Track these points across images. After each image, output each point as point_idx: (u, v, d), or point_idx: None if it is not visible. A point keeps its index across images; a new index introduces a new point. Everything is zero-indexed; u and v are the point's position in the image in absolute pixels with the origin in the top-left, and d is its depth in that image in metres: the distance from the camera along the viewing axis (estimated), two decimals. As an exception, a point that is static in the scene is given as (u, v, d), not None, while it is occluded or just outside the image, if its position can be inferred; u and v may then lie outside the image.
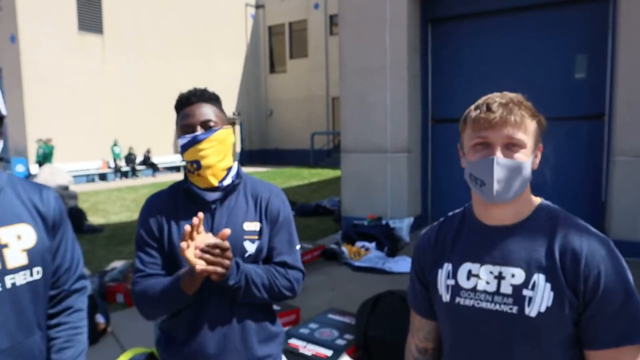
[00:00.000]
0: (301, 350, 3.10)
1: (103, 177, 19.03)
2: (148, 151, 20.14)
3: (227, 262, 1.40)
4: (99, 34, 18.99)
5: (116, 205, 12.06)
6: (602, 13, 6.15)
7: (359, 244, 6.10)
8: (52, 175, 10.36)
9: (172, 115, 1.70)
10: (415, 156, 7.22)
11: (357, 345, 3.18)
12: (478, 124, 1.15)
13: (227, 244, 1.39)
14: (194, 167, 1.55)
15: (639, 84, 5.46)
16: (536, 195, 1.24)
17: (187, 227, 1.36)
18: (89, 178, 18.55)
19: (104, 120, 18.90)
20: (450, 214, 1.35)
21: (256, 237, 1.57)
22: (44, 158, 15.24)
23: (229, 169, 1.62)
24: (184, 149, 1.55)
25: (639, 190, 5.46)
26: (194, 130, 1.54)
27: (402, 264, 5.50)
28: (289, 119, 26.28)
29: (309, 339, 3.22)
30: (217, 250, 1.37)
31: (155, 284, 1.50)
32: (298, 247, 1.68)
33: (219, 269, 1.38)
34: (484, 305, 1.16)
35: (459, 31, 7.25)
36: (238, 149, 25.40)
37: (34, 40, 16.88)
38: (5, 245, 1.23)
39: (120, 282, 4.95)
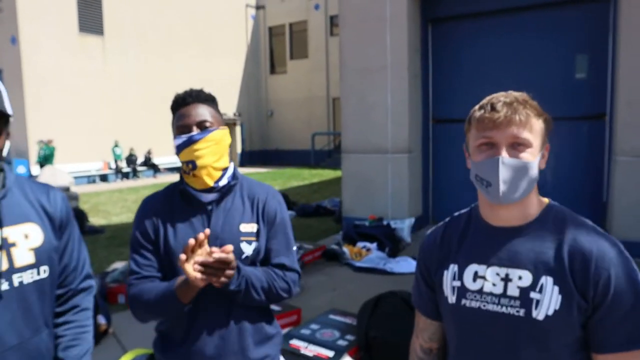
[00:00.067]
0: (302, 351, 3.10)
1: (104, 178, 19.05)
2: (149, 152, 20.15)
3: (229, 272, 1.39)
4: (99, 35, 19.01)
5: (117, 206, 12.07)
6: (602, 13, 6.15)
7: (360, 244, 6.10)
8: (53, 177, 10.38)
9: (173, 117, 1.70)
10: (416, 156, 7.22)
11: (359, 346, 3.18)
12: (482, 123, 1.13)
13: (232, 257, 1.39)
14: (190, 167, 1.55)
15: (640, 84, 5.46)
16: None
17: (191, 241, 1.35)
18: (90, 179, 18.57)
19: (105, 121, 18.92)
20: (456, 214, 1.33)
21: (253, 238, 1.56)
22: (45, 159, 15.24)
23: (225, 170, 1.61)
24: (179, 149, 1.55)
25: (640, 190, 5.46)
26: (190, 131, 1.53)
27: (404, 264, 5.49)
28: (289, 120, 26.28)
29: (310, 340, 3.22)
30: (218, 263, 1.36)
31: (151, 289, 1.49)
32: (294, 248, 1.69)
33: (221, 280, 1.39)
34: (490, 307, 1.14)
35: (459, 31, 7.25)
36: (239, 150, 25.42)
37: (34, 41, 16.90)
38: (13, 244, 1.25)
39: (121, 283, 4.95)
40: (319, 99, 25.24)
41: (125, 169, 19.52)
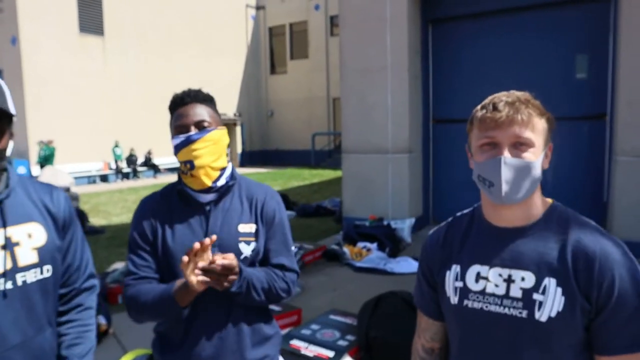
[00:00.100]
0: (303, 352, 3.09)
1: (104, 178, 19.05)
2: (149, 152, 20.16)
3: (232, 277, 1.40)
4: (99, 35, 19.02)
5: (117, 206, 12.07)
6: (602, 13, 6.15)
7: (360, 244, 6.09)
8: (53, 177, 10.38)
9: (174, 117, 1.69)
10: (416, 156, 7.22)
11: (359, 346, 3.18)
12: (484, 123, 1.12)
13: (236, 263, 1.39)
14: (188, 167, 1.54)
15: (640, 84, 5.46)
16: None
17: (197, 245, 1.34)
18: (90, 179, 18.57)
19: (105, 122, 18.93)
20: (458, 214, 1.32)
21: (252, 238, 1.56)
22: (45, 159, 15.25)
23: (223, 170, 1.60)
24: (177, 149, 1.55)
25: (641, 190, 5.45)
26: (188, 131, 1.53)
27: (404, 264, 5.49)
28: (289, 120, 26.29)
29: (311, 340, 3.22)
30: (222, 269, 1.36)
31: (148, 291, 1.49)
32: (293, 248, 1.69)
33: (224, 285, 1.39)
34: (492, 308, 1.14)
35: (459, 32, 7.24)
36: (239, 150, 25.43)
37: (34, 41, 16.91)
38: (17, 244, 1.26)
39: (121, 283, 4.93)
40: (319, 99, 25.25)
41: (126, 169, 19.52)
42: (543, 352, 1.10)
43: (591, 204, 6.26)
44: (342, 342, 3.21)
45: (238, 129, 25.24)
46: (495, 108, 1.11)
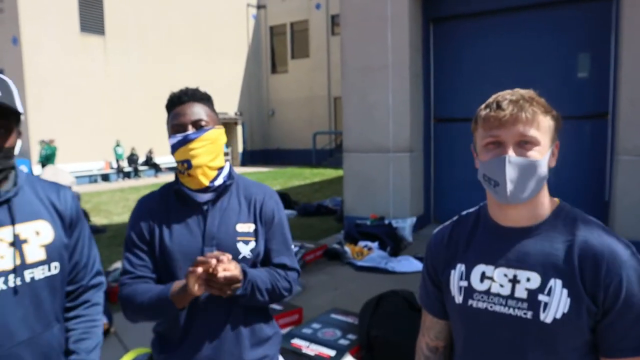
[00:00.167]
0: (304, 350, 3.09)
1: (106, 177, 19.07)
2: (150, 151, 20.17)
3: (236, 286, 1.40)
4: (100, 35, 19.03)
5: (119, 205, 12.08)
6: (604, 12, 6.14)
7: (361, 243, 6.09)
8: (55, 176, 10.37)
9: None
10: (417, 155, 7.21)
11: (360, 345, 3.18)
12: (488, 122, 1.11)
13: (237, 273, 1.38)
14: (185, 166, 1.53)
15: (642, 83, 5.44)
16: None
17: (213, 262, 1.33)
18: (92, 179, 18.59)
19: (106, 121, 18.94)
20: (464, 213, 1.31)
21: (250, 238, 1.55)
22: (47, 159, 15.27)
23: (221, 169, 1.59)
24: (174, 148, 1.53)
25: (643, 189, 5.44)
26: (185, 130, 1.52)
27: (405, 263, 5.49)
28: (290, 119, 26.28)
29: (312, 339, 3.22)
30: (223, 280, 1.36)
31: (145, 292, 1.48)
32: (293, 247, 1.68)
33: (227, 293, 1.39)
34: (497, 308, 1.13)
35: (460, 30, 7.24)
36: (240, 149, 25.43)
37: (36, 41, 16.92)
38: (25, 241, 1.28)
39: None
40: (321, 98, 25.24)
41: (127, 168, 19.54)
42: (548, 354, 1.09)
43: (593, 203, 6.26)
44: (343, 341, 3.21)
45: (239, 128, 25.24)
46: (499, 106, 1.09)
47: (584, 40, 6.38)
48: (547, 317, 1.06)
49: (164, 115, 1.62)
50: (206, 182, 1.55)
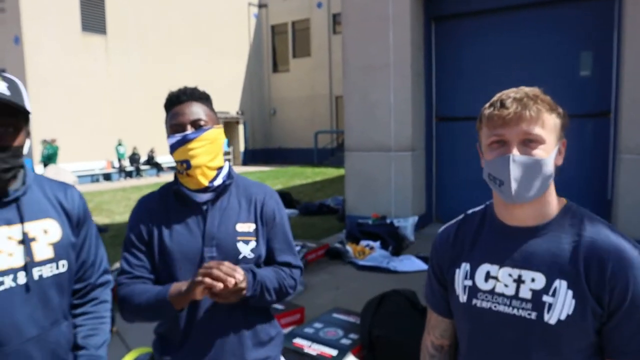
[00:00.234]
0: (306, 350, 3.09)
1: (107, 177, 19.10)
2: (152, 151, 20.20)
3: (242, 294, 1.41)
4: (102, 34, 19.04)
5: (121, 205, 12.09)
6: (606, 10, 6.11)
7: (363, 242, 6.09)
8: (57, 176, 10.39)
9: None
10: (419, 154, 7.20)
11: (362, 344, 3.17)
12: (492, 121, 1.10)
13: (244, 285, 1.39)
14: (184, 167, 1.52)
15: (645, 81, 5.43)
16: None
17: (231, 280, 1.33)
18: (94, 178, 18.62)
19: (108, 121, 18.96)
20: (469, 212, 1.30)
21: (251, 238, 1.55)
22: (49, 158, 15.30)
23: (220, 169, 1.59)
24: (173, 148, 1.52)
25: (645, 188, 5.42)
26: (184, 130, 1.51)
27: (407, 263, 5.48)
28: (292, 118, 26.28)
29: (314, 339, 3.21)
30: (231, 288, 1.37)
31: (142, 292, 1.48)
32: (294, 244, 1.69)
33: (232, 300, 1.41)
34: (501, 308, 1.12)
35: (462, 29, 7.22)
36: (242, 148, 25.44)
37: (37, 41, 16.94)
38: (33, 239, 1.30)
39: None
40: (322, 97, 25.23)
41: (129, 167, 19.57)
42: (552, 355, 1.08)
43: (595, 202, 6.24)
44: (345, 341, 3.20)
45: (241, 128, 25.25)
46: (503, 105, 1.09)
47: (586, 38, 6.36)
48: (551, 318, 1.06)
49: (164, 114, 1.62)
50: (205, 182, 1.54)
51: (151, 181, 18.12)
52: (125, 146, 19.19)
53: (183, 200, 1.56)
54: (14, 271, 1.25)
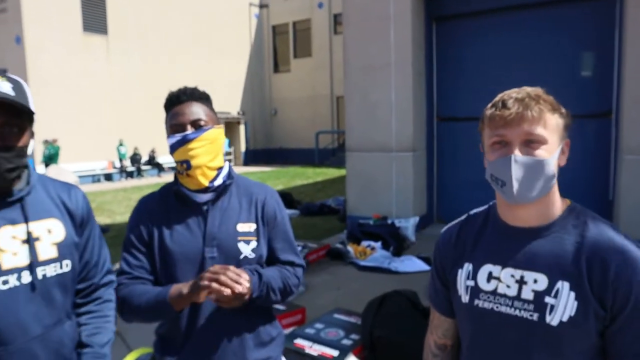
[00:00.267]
0: (307, 351, 3.09)
1: (109, 177, 19.11)
2: (153, 151, 20.21)
3: (245, 299, 1.41)
4: (103, 34, 19.06)
5: (122, 205, 12.10)
6: (608, 10, 6.10)
7: (364, 243, 6.08)
8: (58, 176, 10.40)
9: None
10: (420, 155, 7.19)
11: (363, 345, 3.17)
12: (494, 122, 1.09)
13: (247, 291, 1.39)
14: (184, 167, 1.52)
15: (647, 81, 5.42)
16: None
17: (237, 287, 1.34)
18: (95, 178, 18.63)
19: (109, 121, 18.98)
20: (472, 212, 1.30)
21: (252, 238, 1.55)
22: (50, 159, 15.30)
23: (220, 169, 1.58)
24: (173, 148, 1.52)
25: (647, 189, 5.41)
26: (184, 130, 1.51)
27: (408, 263, 5.47)
28: (293, 118, 26.28)
29: (315, 339, 3.21)
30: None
31: (142, 293, 1.48)
32: (296, 243, 1.70)
33: (235, 305, 1.41)
34: (503, 309, 1.12)
35: (464, 29, 7.21)
36: (243, 149, 25.45)
37: (38, 41, 16.96)
38: (37, 239, 1.31)
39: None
40: (323, 97, 25.23)
41: (130, 168, 19.58)
42: (553, 356, 1.08)
43: (597, 203, 6.23)
44: (346, 341, 3.20)
45: (242, 128, 25.25)
46: (504, 105, 1.08)
47: (587, 38, 6.35)
48: (553, 319, 1.05)
49: (165, 115, 1.61)
50: (206, 183, 1.54)
51: (152, 181, 18.13)
52: (126, 146, 19.20)
53: (183, 201, 1.55)
54: (18, 270, 1.26)
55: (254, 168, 22.22)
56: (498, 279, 1.14)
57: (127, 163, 19.51)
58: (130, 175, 19.62)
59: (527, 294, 1.09)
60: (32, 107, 1.30)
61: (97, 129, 18.50)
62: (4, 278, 1.24)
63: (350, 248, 5.92)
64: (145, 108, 19.84)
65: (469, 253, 1.22)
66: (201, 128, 1.51)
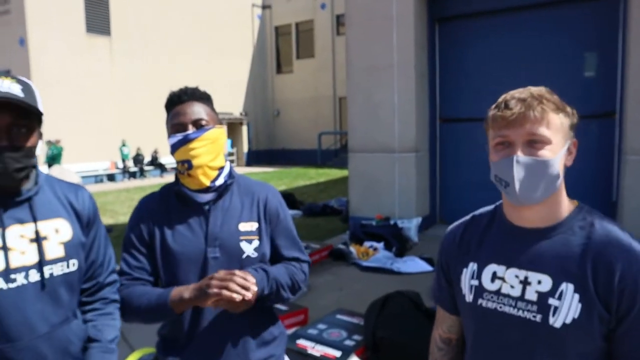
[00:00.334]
0: (310, 351, 3.08)
1: (111, 177, 19.15)
2: (156, 151, 20.25)
3: (250, 304, 1.42)
4: (106, 35, 19.11)
5: (124, 205, 12.12)
6: (611, 10, 6.09)
7: (367, 244, 6.08)
8: (61, 176, 10.42)
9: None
10: (423, 155, 7.19)
11: (366, 346, 3.16)
12: (497, 122, 1.09)
13: (252, 296, 1.39)
14: (185, 167, 1.52)
15: (650, 82, 5.40)
16: None
17: (248, 294, 1.36)
18: (98, 179, 18.68)
19: (112, 121, 19.03)
20: (477, 213, 1.30)
21: (254, 237, 1.55)
22: (53, 159, 15.34)
23: (221, 169, 1.58)
24: (174, 148, 1.52)
25: (651, 190, 5.39)
26: (185, 129, 1.50)
27: (411, 264, 5.47)
28: (296, 119, 26.30)
29: (318, 340, 3.20)
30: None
31: (142, 294, 1.48)
32: (300, 240, 1.70)
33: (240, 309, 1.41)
34: (506, 309, 1.12)
35: (466, 30, 7.20)
36: (245, 149, 25.47)
37: (42, 42, 17.01)
38: (45, 238, 1.32)
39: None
40: (326, 98, 25.23)
41: (133, 168, 19.62)
42: (556, 358, 1.07)
43: (600, 204, 6.21)
44: (348, 342, 3.20)
45: (244, 129, 25.27)
46: (506, 106, 1.08)
47: (590, 39, 6.33)
48: (556, 321, 1.05)
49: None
50: (207, 182, 1.54)
51: (155, 182, 18.16)
52: (129, 147, 19.24)
53: (185, 201, 1.55)
54: (25, 269, 1.28)
55: (256, 169, 22.23)
56: (502, 279, 1.14)
57: (130, 163, 19.54)
58: (132, 175, 19.66)
59: (531, 294, 1.09)
60: (41, 108, 1.32)
61: (99, 130, 18.54)
62: (12, 276, 1.25)
63: (353, 249, 5.91)
64: (148, 109, 19.86)
65: (474, 253, 1.22)
66: (202, 128, 1.51)
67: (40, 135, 1.36)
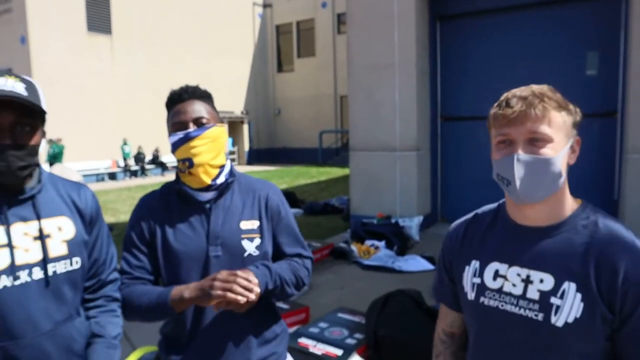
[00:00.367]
0: (311, 350, 3.09)
1: (112, 176, 19.17)
2: (157, 150, 20.27)
3: (253, 303, 1.42)
4: (107, 34, 19.11)
5: (126, 204, 12.13)
6: (613, 9, 6.08)
7: (368, 242, 6.08)
8: (63, 175, 10.43)
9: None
10: (424, 154, 7.18)
11: (367, 344, 3.16)
12: (498, 121, 1.09)
13: (255, 297, 1.40)
14: (186, 165, 1.52)
15: (652, 80, 5.39)
16: None
17: (251, 296, 1.36)
18: (99, 177, 18.70)
19: (113, 120, 19.04)
20: (480, 211, 1.30)
21: (255, 235, 1.54)
22: (54, 158, 15.36)
23: (222, 167, 1.58)
24: (175, 146, 1.52)
25: (652, 188, 5.39)
26: (186, 128, 1.50)
27: (412, 262, 5.47)
28: (297, 118, 26.30)
29: (319, 338, 3.21)
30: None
31: (142, 294, 1.48)
32: (302, 237, 1.70)
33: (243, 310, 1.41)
34: (508, 308, 1.11)
35: (468, 28, 7.19)
36: (246, 148, 25.48)
37: (43, 41, 17.02)
38: (48, 236, 1.33)
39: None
40: (327, 96, 25.22)
41: (134, 167, 19.64)
42: (558, 357, 1.07)
43: (602, 203, 6.20)
44: (350, 341, 3.20)
45: (245, 127, 25.28)
46: (508, 104, 1.08)
47: (592, 38, 6.32)
48: (558, 320, 1.04)
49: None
50: (208, 181, 1.54)
51: (156, 180, 18.17)
52: (130, 145, 19.26)
53: (185, 200, 1.55)
54: (29, 266, 1.29)
55: (257, 167, 22.24)
56: (504, 277, 1.14)
57: (131, 162, 19.56)
58: (134, 174, 19.68)
59: (533, 293, 1.08)
60: (45, 107, 1.32)
61: (101, 128, 18.55)
62: (15, 274, 1.26)
63: (354, 247, 5.91)
64: (150, 107, 19.86)
65: (476, 250, 1.22)
66: (203, 126, 1.51)
67: (43, 134, 1.36)
